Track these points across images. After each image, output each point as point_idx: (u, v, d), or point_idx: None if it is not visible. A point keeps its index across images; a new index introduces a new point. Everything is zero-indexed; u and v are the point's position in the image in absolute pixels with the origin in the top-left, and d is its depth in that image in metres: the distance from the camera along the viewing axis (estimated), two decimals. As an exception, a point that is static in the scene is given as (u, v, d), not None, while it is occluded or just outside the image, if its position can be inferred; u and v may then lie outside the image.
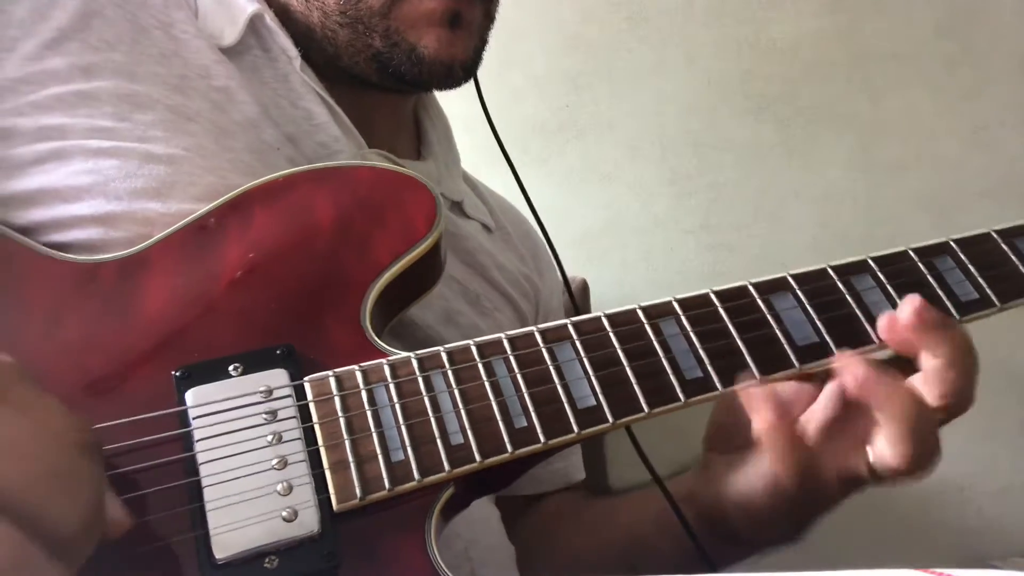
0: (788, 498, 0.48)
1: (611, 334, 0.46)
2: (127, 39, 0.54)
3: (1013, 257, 0.53)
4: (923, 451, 0.45)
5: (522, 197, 0.73)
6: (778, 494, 0.48)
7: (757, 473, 0.50)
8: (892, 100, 1.34)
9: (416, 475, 0.40)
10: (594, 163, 1.34)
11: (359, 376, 0.42)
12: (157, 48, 0.55)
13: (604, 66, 1.35)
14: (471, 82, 0.67)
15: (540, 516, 0.74)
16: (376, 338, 0.45)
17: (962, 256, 0.52)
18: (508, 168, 0.74)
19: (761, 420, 0.46)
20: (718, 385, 0.45)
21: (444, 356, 0.44)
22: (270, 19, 0.60)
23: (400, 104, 0.71)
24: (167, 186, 0.49)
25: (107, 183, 0.49)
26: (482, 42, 0.65)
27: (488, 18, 0.65)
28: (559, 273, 0.76)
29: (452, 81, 0.64)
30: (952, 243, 0.53)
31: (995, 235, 0.54)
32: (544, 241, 0.76)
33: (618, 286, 1.31)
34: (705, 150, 1.34)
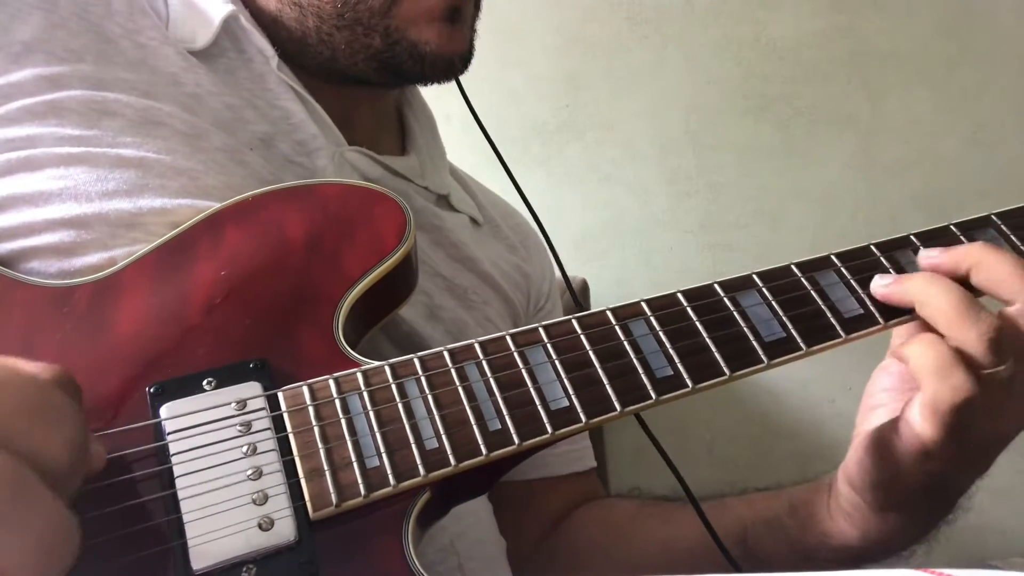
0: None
1: (582, 336, 0.45)
2: (93, 48, 0.53)
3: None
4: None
5: (518, 195, 0.73)
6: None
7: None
8: (892, 100, 1.33)
9: (392, 480, 0.40)
10: (594, 163, 1.34)
11: (332, 385, 0.42)
12: (124, 57, 0.54)
13: (604, 66, 1.35)
14: (462, 83, 0.68)
15: (614, 516, 0.73)
16: (350, 350, 0.45)
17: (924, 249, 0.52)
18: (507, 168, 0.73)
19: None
20: (688, 383, 0.45)
21: (417, 363, 0.44)
22: (245, 20, 0.59)
23: (382, 99, 0.70)
24: (138, 188, 0.49)
25: (78, 187, 0.48)
26: (473, 32, 0.65)
27: (478, 8, 0.65)
28: (554, 261, 0.75)
29: (452, 74, 0.64)
30: (912, 237, 0.53)
31: (953, 228, 0.53)
32: (535, 229, 0.75)
33: (618, 286, 1.31)
34: (705, 150, 1.33)
